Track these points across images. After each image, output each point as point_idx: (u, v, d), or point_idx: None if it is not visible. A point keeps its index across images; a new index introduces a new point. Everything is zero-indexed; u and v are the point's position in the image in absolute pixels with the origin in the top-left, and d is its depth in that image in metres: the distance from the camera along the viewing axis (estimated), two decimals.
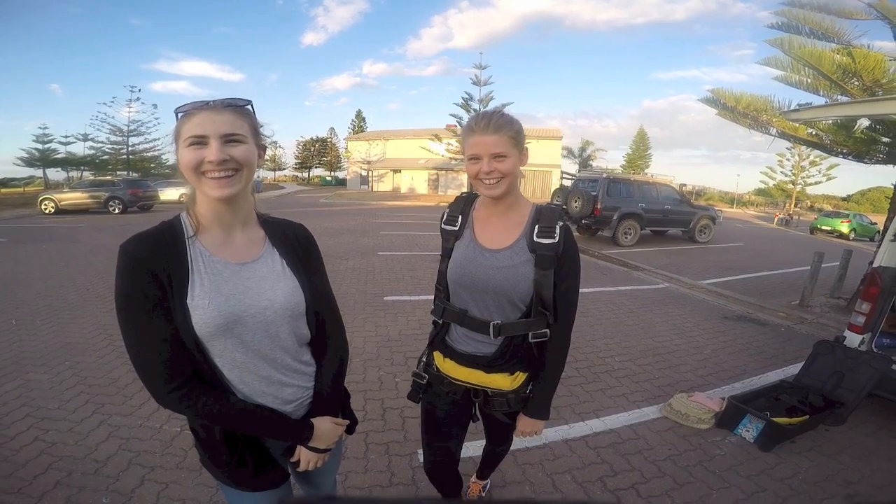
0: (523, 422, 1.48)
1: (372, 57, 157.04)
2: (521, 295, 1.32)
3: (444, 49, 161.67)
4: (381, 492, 2.26)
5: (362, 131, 58.20)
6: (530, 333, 1.35)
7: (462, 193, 1.50)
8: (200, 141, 0.93)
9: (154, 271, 0.92)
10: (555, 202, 12.38)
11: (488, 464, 2.03)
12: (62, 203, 16.59)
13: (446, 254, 1.43)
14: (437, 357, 1.50)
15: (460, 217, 1.43)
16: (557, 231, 1.30)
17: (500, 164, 1.25)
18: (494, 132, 1.23)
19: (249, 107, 1.02)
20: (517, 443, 2.65)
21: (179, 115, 0.97)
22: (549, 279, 1.29)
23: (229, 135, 0.95)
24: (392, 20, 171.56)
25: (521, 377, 1.42)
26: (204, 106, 0.95)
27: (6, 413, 2.79)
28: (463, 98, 27.27)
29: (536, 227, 1.31)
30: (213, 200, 0.98)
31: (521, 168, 1.31)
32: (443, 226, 1.46)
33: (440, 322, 1.47)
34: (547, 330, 1.36)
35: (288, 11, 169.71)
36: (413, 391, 1.57)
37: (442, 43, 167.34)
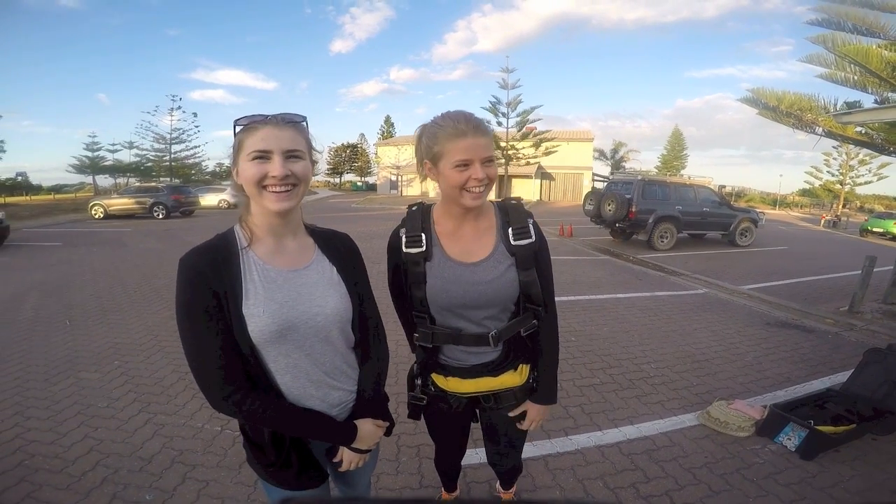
0: (533, 410, 1.45)
1: (399, 63, 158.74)
2: (511, 299, 1.29)
3: (469, 53, 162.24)
4: (411, 494, 2.29)
5: (391, 136, 58.85)
6: (522, 329, 1.34)
7: (412, 207, 1.36)
8: (264, 156, 0.97)
9: (211, 283, 0.97)
10: (587, 205, 12.21)
11: (505, 479, 1.92)
12: (111, 208, 17.46)
13: (419, 279, 1.27)
14: (438, 379, 1.43)
15: (423, 235, 1.28)
16: (532, 229, 1.27)
17: (490, 169, 1.17)
18: (485, 134, 1.14)
19: (305, 123, 1.07)
20: (548, 447, 2.65)
21: (238, 127, 1.01)
22: (534, 276, 1.27)
23: (291, 151, 0.99)
24: (417, 26, 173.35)
25: (525, 369, 1.42)
26: (265, 120, 0.99)
27: (59, 410, 2.96)
28: (490, 102, 27.17)
29: (510, 229, 1.27)
30: (270, 213, 1.02)
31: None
32: (406, 250, 1.28)
33: (430, 346, 1.36)
34: (535, 321, 1.35)
35: (317, 20, 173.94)
36: (413, 412, 1.51)
37: (466, 47, 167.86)
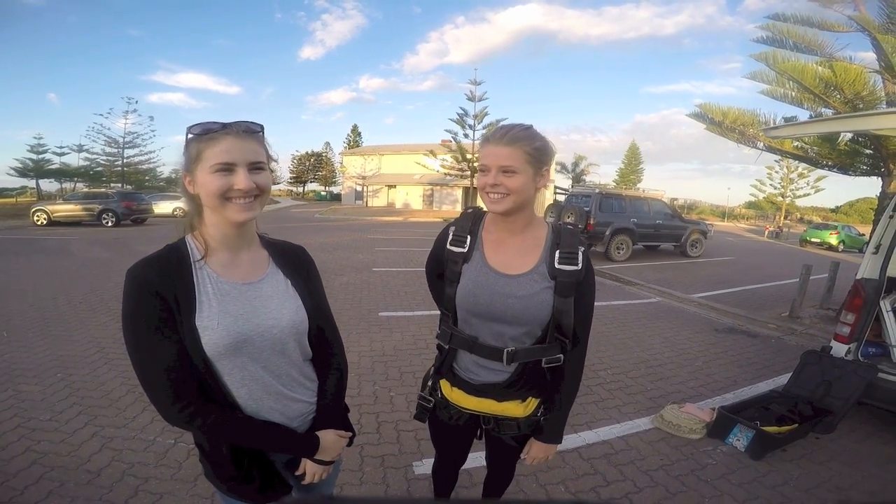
0: (536, 447, 1.40)
1: (369, 72, 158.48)
2: (539, 322, 1.25)
3: (440, 64, 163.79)
4: (408, 494, 2.30)
5: (358, 146, 58.49)
6: (544, 359, 1.29)
7: (468, 209, 1.39)
8: (228, 168, 0.94)
9: (161, 294, 0.94)
10: (548, 217, 12.48)
11: (492, 485, 1.83)
12: (55, 215, 16.47)
13: (453, 278, 1.30)
14: (445, 385, 1.42)
15: (469, 237, 1.31)
16: (580, 257, 1.23)
17: (508, 179, 1.16)
18: (508, 144, 1.16)
19: (262, 132, 1.05)
20: None
21: (192, 135, 0.97)
22: (570, 306, 1.22)
23: (254, 163, 0.98)
24: (389, 35, 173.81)
25: (533, 403, 1.35)
26: (226, 130, 0.96)
27: None
28: (458, 114, 27.48)
29: (557, 251, 1.23)
30: (227, 224, 1.00)
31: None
32: (449, 247, 1.32)
33: (447, 347, 1.37)
34: (561, 355, 1.30)
35: (287, 25, 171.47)
36: (419, 413, 1.50)
37: (438, 58, 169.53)
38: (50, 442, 2.60)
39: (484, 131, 27.45)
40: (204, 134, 0.95)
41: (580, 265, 1.23)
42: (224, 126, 0.96)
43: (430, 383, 1.48)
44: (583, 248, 1.26)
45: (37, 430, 2.71)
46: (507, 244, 1.29)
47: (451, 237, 1.34)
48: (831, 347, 3.36)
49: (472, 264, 1.29)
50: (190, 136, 0.97)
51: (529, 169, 1.17)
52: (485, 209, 1.38)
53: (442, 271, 1.40)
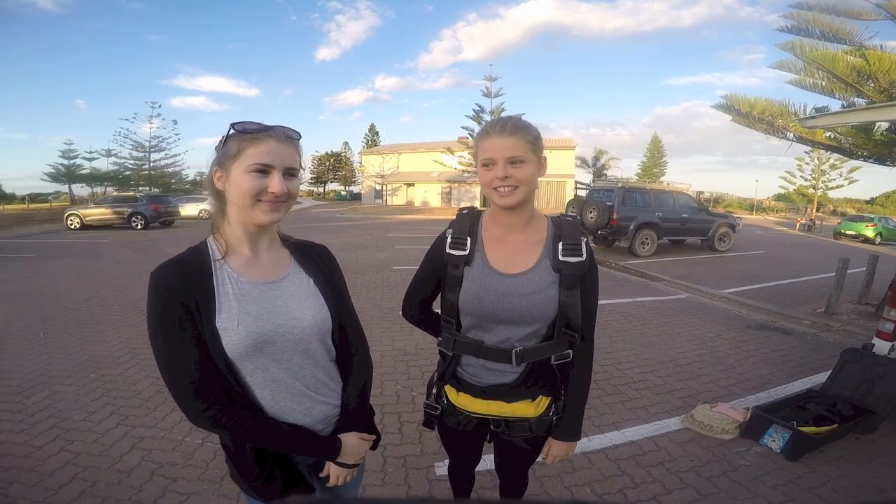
0: (555, 446, 1.35)
1: (384, 71, 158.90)
2: (546, 319, 1.22)
3: (455, 61, 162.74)
4: (411, 494, 2.27)
5: (376, 145, 58.89)
6: (553, 356, 1.25)
7: (463, 210, 1.35)
8: (265, 169, 0.96)
9: (183, 297, 0.94)
10: (570, 213, 12.31)
11: (508, 493, 1.76)
12: (87, 218, 17.04)
13: (454, 282, 1.26)
14: (450, 391, 1.38)
15: (468, 239, 1.26)
16: (584, 248, 1.21)
17: (517, 171, 1.13)
18: (511, 134, 1.13)
19: (300, 140, 1.06)
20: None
21: (235, 131, 0.98)
22: (577, 299, 1.20)
23: (290, 168, 0.99)
24: (402, 34, 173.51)
25: (544, 402, 1.31)
26: (269, 132, 0.97)
27: (34, 423, 2.86)
28: (474, 110, 27.50)
29: (560, 244, 1.21)
30: (250, 223, 1.00)
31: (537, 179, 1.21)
32: (449, 250, 1.28)
33: (450, 354, 1.32)
34: (570, 351, 1.26)
35: (301, 27, 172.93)
36: (427, 421, 1.47)
37: (452, 56, 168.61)
38: (83, 442, 2.68)
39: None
40: (248, 132, 0.97)
41: (584, 256, 1.21)
42: (268, 128, 0.98)
43: (434, 390, 1.44)
44: (585, 240, 1.24)
45: (71, 430, 2.79)
46: (509, 241, 1.25)
47: (449, 240, 1.29)
48: (873, 345, 3.22)
49: (474, 267, 1.25)
50: (232, 132, 0.98)
51: (533, 157, 1.15)
52: (479, 208, 1.36)
53: (432, 291, 1.40)
